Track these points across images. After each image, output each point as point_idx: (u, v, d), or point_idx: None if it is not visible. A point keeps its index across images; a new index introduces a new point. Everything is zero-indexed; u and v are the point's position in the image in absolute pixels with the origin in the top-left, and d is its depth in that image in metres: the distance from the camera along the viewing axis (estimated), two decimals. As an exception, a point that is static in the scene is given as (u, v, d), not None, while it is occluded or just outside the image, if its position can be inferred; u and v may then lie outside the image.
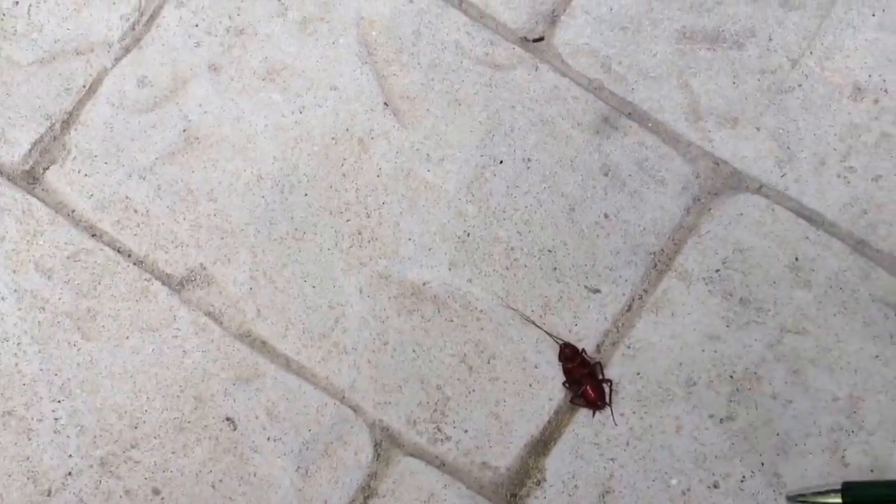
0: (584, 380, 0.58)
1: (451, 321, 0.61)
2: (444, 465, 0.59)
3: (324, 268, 0.62)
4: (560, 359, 0.59)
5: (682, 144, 0.63)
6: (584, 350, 0.60)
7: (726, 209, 0.62)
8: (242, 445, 0.59)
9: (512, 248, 0.62)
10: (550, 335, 0.59)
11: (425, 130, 0.63)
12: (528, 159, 0.63)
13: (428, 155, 0.63)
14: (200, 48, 0.64)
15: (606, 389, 0.59)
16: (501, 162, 0.63)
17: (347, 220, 0.62)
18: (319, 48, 0.65)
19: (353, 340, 0.61)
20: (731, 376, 0.60)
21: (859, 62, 0.63)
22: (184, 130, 0.63)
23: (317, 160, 0.63)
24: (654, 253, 0.62)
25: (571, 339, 0.61)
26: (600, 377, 0.59)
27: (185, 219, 0.62)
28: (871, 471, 0.58)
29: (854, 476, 0.58)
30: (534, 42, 0.65)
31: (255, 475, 0.59)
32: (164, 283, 0.61)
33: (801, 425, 0.59)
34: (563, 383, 0.59)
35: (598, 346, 0.61)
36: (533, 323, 0.59)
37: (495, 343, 0.61)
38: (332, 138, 0.63)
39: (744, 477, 0.59)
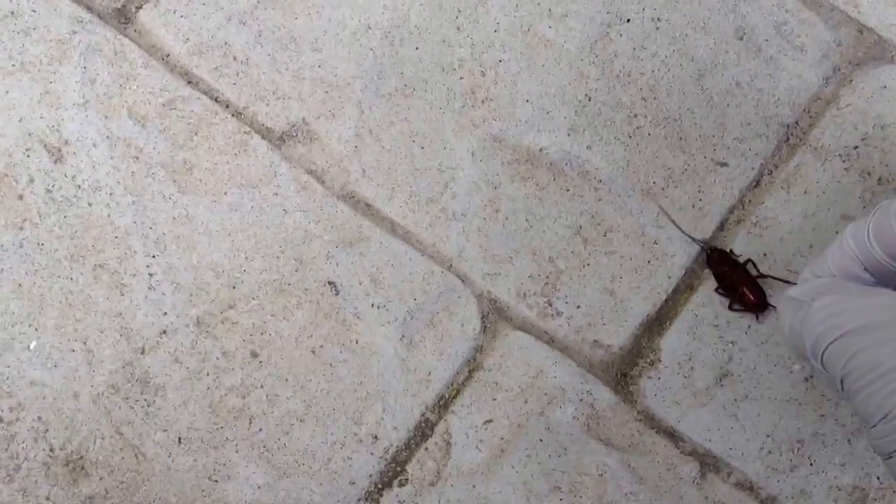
0: (740, 283, 0.54)
1: (567, 190, 0.56)
2: (553, 340, 0.56)
3: (434, 128, 0.57)
4: (708, 265, 0.54)
5: (824, 8, 0.57)
6: (731, 250, 0.55)
7: (869, 81, 0.56)
8: (344, 311, 0.56)
9: (635, 115, 0.57)
10: (693, 238, 0.54)
11: (546, -16, 0.58)
12: (658, 18, 0.57)
13: (550, 10, 0.57)
14: None
15: (765, 289, 0.54)
16: (629, 20, 0.57)
17: (461, 78, 0.57)
18: None
19: (462, 206, 0.56)
20: (865, 260, 0.55)
21: None
22: (286, -27, 0.58)
23: (430, 10, 0.58)
24: (788, 125, 0.56)
25: (695, 215, 0.56)
26: (755, 274, 0.54)
27: (287, 69, 0.57)
28: None
29: None
30: None
31: (356, 342, 0.56)
32: (264, 137, 0.57)
33: (937, 315, 0.54)
34: (716, 290, 0.54)
35: (721, 222, 0.56)
36: (672, 221, 0.54)
37: (613, 215, 0.56)
38: (445, -12, 0.58)
39: (872, 366, 0.54)
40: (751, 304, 0.53)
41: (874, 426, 0.38)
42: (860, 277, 0.41)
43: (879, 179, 0.56)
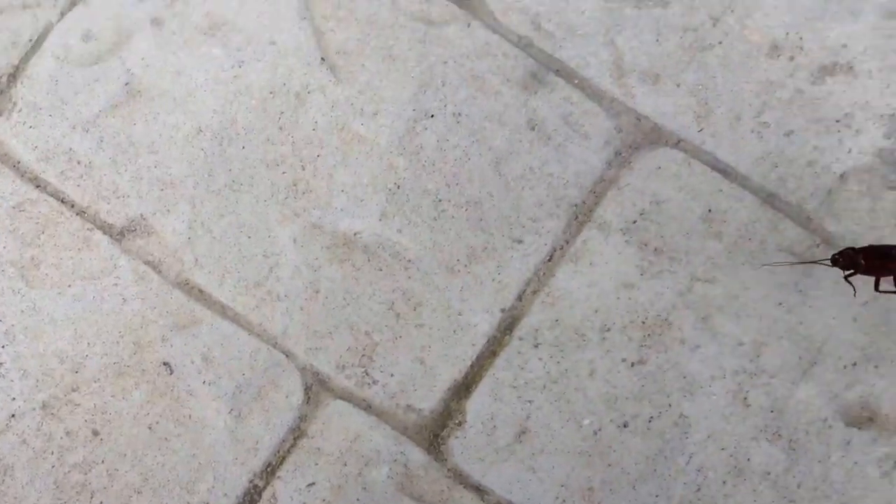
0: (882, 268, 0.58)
1: (381, 270, 0.62)
2: (370, 407, 0.61)
3: (260, 218, 0.63)
4: (845, 268, 0.58)
5: (605, 100, 0.64)
6: (852, 248, 0.59)
7: (646, 163, 0.63)
8: (178, 389, 0.61)
9: (440, 200, 0.63)
10: (815, 262, 0.58)
11: (360, 85, 0.64)
12: (459, 114, 0.64)
13: (362, 109, 0.64)
14: (144, 3, 0.65)
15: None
16: (432, 116, 0.64)
17: (283, 173, 0.63)
18: (259, 4, 0.65)
19: (286, 288, 0.62)
20: (644, 322, 0.61)
21: (777, 21, 0.64)
22: (126, 84, 0.64)
23: (255, 114, 0.64)
24: (576, 205, 0.63)
25: (494, 288, 0.62)
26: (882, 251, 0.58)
27: (126, 170, 0.63)
28: (772, 411, 0.60)
29: (755, 415, 0.60)
30: (465, -1, 0.65)
31: (190, 417, 0.61)
32: (105, 233, 0.63)
33: (707, 368, 0.61)
34: (876, 288, 0.58)
35: (519, 293, 0.62)
36: (800, 262, 0.59)
37: (422, 291, 0.62)
38: (270, 92, 0.64)
39: (651, 417, 0.61)
40: None
41: None
42: None
43: (655, 250, 0.62)
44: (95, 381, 0.61)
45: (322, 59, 0.64)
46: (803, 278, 0.61)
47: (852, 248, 0.58)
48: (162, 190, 0.63)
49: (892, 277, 0.58)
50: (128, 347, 0.61)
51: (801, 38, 0.63)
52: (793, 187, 0.62)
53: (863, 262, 0.57)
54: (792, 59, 0.63)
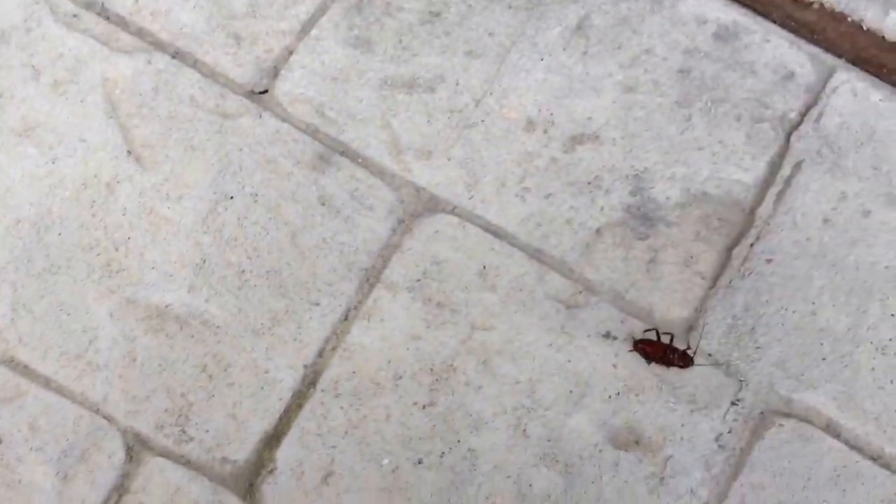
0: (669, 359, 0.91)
1: (192, 337, 0.90)
2: (189, 462, 0.88)
3: (78, 297, 0.91)
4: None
5: (387, 175, 0.94)
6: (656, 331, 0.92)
7: (425, 228, 0.93)
8: (7, 456, 0.87)
9: (243, 271, 0.92)
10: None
11: (164, 173, 0.93)
12: (256, 194, 0.93)
13: (167, 194, 0.93)
14: (-42, 110, 0.93)
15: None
16: (232, 197, 0.93)
17: (97, 255, 0.91)
18: (69, 106, 0.94)
19: (105, 359, 0.90)
20: (432, 369, 0.91)
21: (531, 100, 0.96)
22: (-54, 183, 0.92)
23: (69, 203, 0.92)
24: (366, 269, 0.93)
25: (296, 347, 0.91)
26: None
27: (-51, 261, 0.90)
28: (549, 440, 0.90)
29: (535, 445, 0.90)
30: (259, 94, 0.96)
31: (20, 482, 0.87)
32: (-68, 319, 0.89)
33: (490, 406, 0.90)
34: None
35: (320, 350, 0.91)
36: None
37: (231, 353, 0.90)
38: (83, 184, 0.93)
39: (443, 453, 0.89)
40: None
41: None
42: None
43: (438, 304, 0.92)
44: (-72, 454, 0.86)
45: (129, 151, 0.93)
46: (569, 321, 0.91)
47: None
48: (-16, 277, 0.90)
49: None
50: (-43, 422, 0.87)
51: (552, 114, 0.95)
52: (555, 242, 0.93)
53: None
54: (545, 132, 0.95)
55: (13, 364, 0.89)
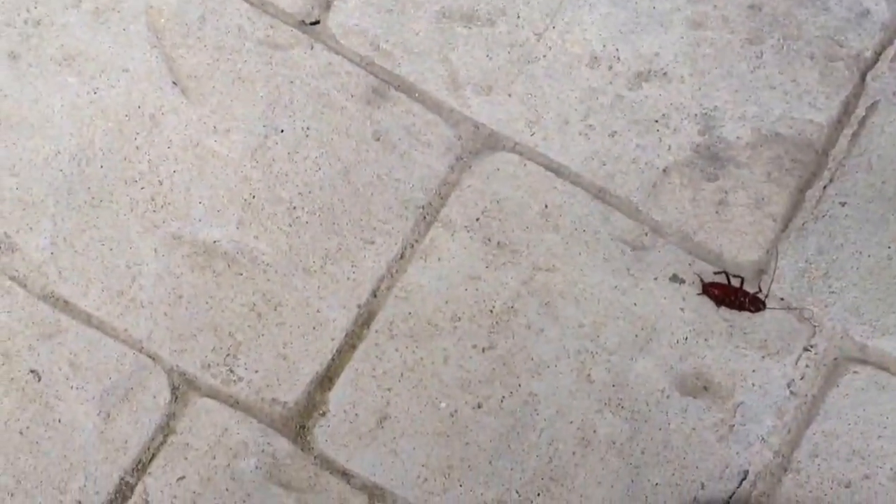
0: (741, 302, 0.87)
1: (241, 274, 0.86)
2: (237, 402, 0.84)
3: (121, 231, 0.86)
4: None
5: (444, 111, 0.90)
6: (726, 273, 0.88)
7: (485, 166, 0.89)
8: (47, 394, 0.83)
9: (294, 208, 0.87)
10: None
11: (211, 105, 0.89)
12: (307, 128, 0.89)
13: (215, 127, 0.88)
14: (0, 38, 0.89)
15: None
16: (282, 131, 0.89)
17: (142, 188, 0.87)
18: (111, 35, 0.90)
19: (149, 295, 0.85)
20: (491, 311, 0.86)
21: (595, 34, 0.91)
22: (-16, 112, 0.87)
23: (111, 135, 0.88)
24: (423, 207, 0.88)
25: (350, 286, 0.86)
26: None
27: (-13, 192, 0.86)
28: (613, 385, 0.85)
29: (599, 390, 0.85)
30: (310, 25, 0.91)
31: (59, 421, 0.82)
32: (-32, 252, 0.85)
33: (553, 350, 0.86)
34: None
35: (374, 290, 0.86)
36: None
37: (281, 292, 0.86)
38: (126, 115, 0.88)
39: (503, 398, 0.85)
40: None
41: None
42: None
43: (498, 244, 0.87)
44: (-36, 391, 0.82)
45: (174, 82, 0.89)
46: (634, 263, 0.87)
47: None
48: (24, 209, 0.85)
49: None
50: (-5, 358, 0.82)
51: (617, 49, 0.91)
52: (620, 182, 0.89)
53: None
54: (610, 67, 0.90)
55: (53, 299, 0.84)
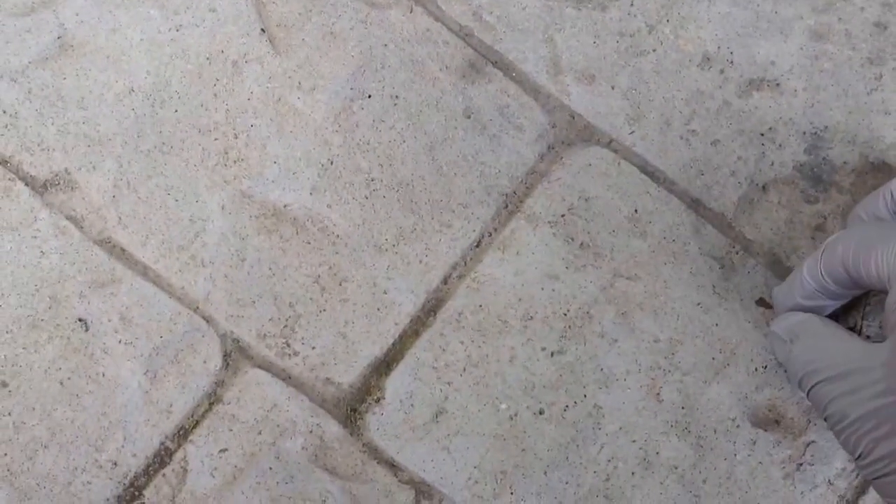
0: None
1: (308, 243, 0.80)
2: (289, 378, 0.78)
3: (188, 182, 0.80)
4: None
5: (541, 95, 0.83)
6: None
7: (577, 159, 0.82)
8: (93, 346, 0.77)
9: (372, 179, 0.81)
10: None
11: (298, 59, 0.82)
12: (396, 96, 0.82)
13: (299, 83, 0.82)
14: (82, -42, 0.82)
15: None
16: (370, 96, 0.82)
17: (215, 139, 0.81)
18: (200, -30, 0.83)
19: (211, 254, 0.79)
20: (565, 314, 0.80)
21: (710, 33, 0.84)
22: (59, 38, 0.81)
23: (189, 78, 0.81)
24: (506, 195, 0.82)
25: (421, 270, 0.80)
26: None
27: (53, 123, 0.80)
28: (683, 408, 0.79)
29: (667, 410, 0.79)
30: (410, -15, 0.84)
31: (103, 375, 0.77)
32: (27, 185, 0.79)
33: (624, 363, 0.80)
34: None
35: (445, 277, 0.80)
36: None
37: (348, 267, 0.80)
38: (207, 58, 0.82)
39: (567, 406, 0.79)
40: None
41: (857, 459, 0.65)
42: (824, 305, 0.74)
43: (581, 244, 0.81)
44: (7, 332, 0.76)
45: (262, 29, 0.82)
46: (721, 281, 0.81)
47: None
48: (89, 146, 0.79)
49: None
50: (43, 301, 0.77)
51: (731, 52, 0.84)
52: (716, 194, 0.82)
53: None
54: (722, 71, 0.83)
55: (110, 246, 0.79)
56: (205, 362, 0.77)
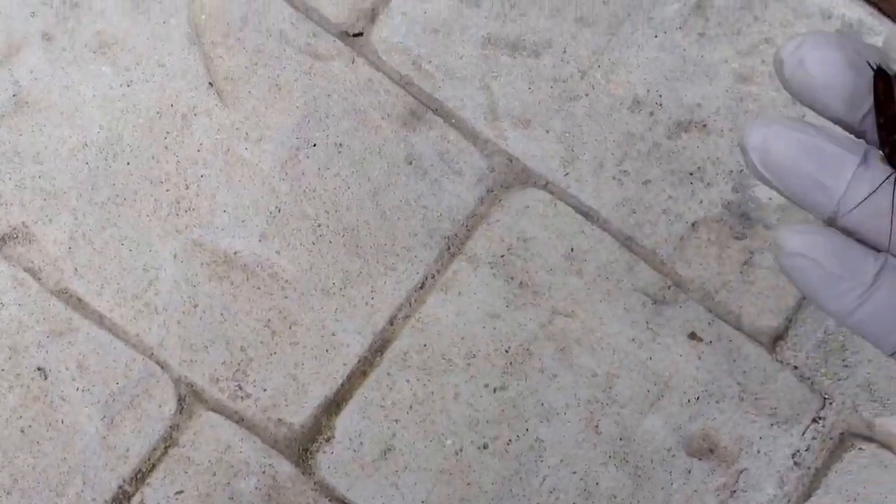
0: None
1: (258, 289, 0.83)
2: (242, 420, 0.81)
3: (141, 233, 0.83)
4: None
5: (480, 141, 0.87)
6: None
7: (515, 202, 0.86)
8: (52, 394, 0.80)
9: (319, 225, 0.84)
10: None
11: (246, 111, 0.86)
12: (340, 144, 0.86)
13: (247, 134, 0.85)
14: (35, 18, 0.85)
15: None
16: (315, 145, 0.86)
17: (167, 190, 0.84)
18: (150, 26, 0.86)
19: (164, 302, 0.82)
20: (507, 351, 0.84)
21: (640, 78, 0.88)
22: (14, 95, 0.84)
23: (141, 132, 0.84)
24: (448, 237, 0.85)
25: (367, 312, 0.83)
26: None
27: (10, 178, 0.83)
28: (621, 439, 0.83)
29: (606, 442, 0.83)
30: (353, 37, 0.88)
31: (62, 422, 0.80)
32: (-15, 238, 0.81)
33: (563, 397, 0.84)
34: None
35: (391, 318, 0.84)
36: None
37: (298, 311, 0.83)
38: (157, 112, 0.85)
39: (510, 440, 0.83)
40: None
41: None
42: None
43: (520, 283, 0.85)
44: (-31, 383, 0.79)
45: (210, 83, 0.85)
46: (654, 316, 0.84)
47: None
48: (45, 200, 0.82)
49: None
50: (3, 351, 0.80)
51: (660, 96, 0.88)
52: (649, 232, 0.86)
53: None
54: (651, 114, 0.87)
55: (67, 296, 0.82)
56: (160, 407, 0.80)
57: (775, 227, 0.85)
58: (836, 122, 0.45)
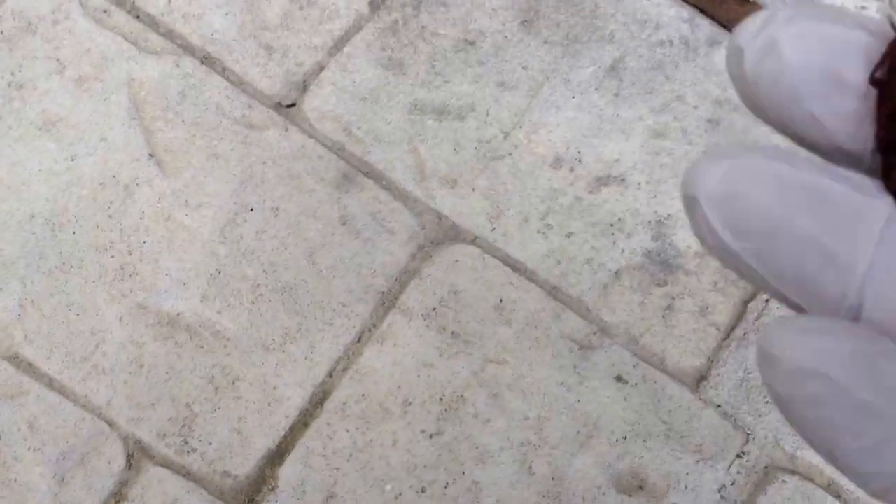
0: None
1: (202, 347, 0.88)
2: (189, 473, 0.85)
3: (88, 298, 0.87)
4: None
5: (410, 200, 0.92)
6: None
7: (445, 256, 0.91)
8: (5, 454, 0.84)
9: (258, 285, 0.89)
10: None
11: (185, 180, 0.91)
12: (276, 208, 0.91)
13: (187, 201, 0.90)
14: (-19, 98, 0.90)
15: None
16: (252, 210, 0.91)
17: (111, 257, 0.88)
18: (93, 104, 0.91)
19: (111, 363, 0.86)
20: (441, 398, 0.88)
21: (560, 136, 0.94)
22: (-38, 171, 0.88)
23: (85, 202, 0.89)
24: (383, 292, 0.90)
25: (307, 365, 0.88)
26: None
27: (-40, 250, 0.87)
28: (553, 479, 0.87)
29: (539, 482, 0.87)
30: (287, 107, 0.93)
31: (15, 481, 0.83)
32: (-63, 308, 0.86)
33: (497, 440, 0.88)
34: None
35: (330, 370, 0.88)
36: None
37: (240, 367, 0.88)
38: (101, 183, 0.90)
39: (447, 484, 0.87)
40: None
41: None
42: None
43: (453, 334, 0.90)
44: (-77, 447, 0.83)
45: (150, 154, 0.90)
46: (581, 361, 0.89)
47: None
48: (-6, 270, 0.87)
49: None
50: (-44, 415, 0.84)
51: (580, 153, 0.93)
52: (573, 281, 0.91)
53: None
54: (572, 170, 0.93)
55: (17, 361, 0.86)
56: (109, 463, 0.84)
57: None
58: (830, 150, 0.26)
